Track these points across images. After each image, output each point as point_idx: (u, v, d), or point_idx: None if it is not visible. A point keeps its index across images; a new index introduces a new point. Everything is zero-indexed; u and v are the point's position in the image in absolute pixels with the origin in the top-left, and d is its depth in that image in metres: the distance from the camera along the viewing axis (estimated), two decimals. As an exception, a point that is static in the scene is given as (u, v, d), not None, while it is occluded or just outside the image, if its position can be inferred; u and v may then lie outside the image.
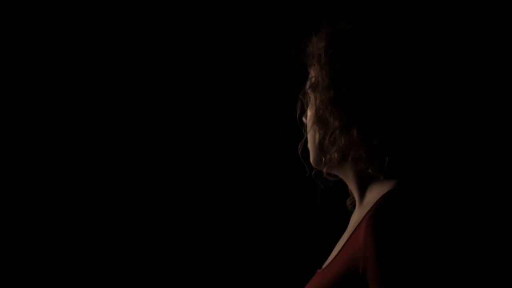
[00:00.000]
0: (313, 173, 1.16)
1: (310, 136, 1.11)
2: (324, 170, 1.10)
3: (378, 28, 1.08)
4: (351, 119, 1.03)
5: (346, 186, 1.13)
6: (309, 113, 1.10)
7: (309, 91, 1.09)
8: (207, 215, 3.75)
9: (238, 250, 3.83)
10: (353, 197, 1.13)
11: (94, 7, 3.00)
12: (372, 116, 1.03)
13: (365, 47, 1.05)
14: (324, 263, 1.10)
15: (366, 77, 1.04)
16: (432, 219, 0.97)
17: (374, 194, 1.04)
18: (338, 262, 1.01)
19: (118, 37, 2.94)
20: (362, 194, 1.08)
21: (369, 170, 1.04)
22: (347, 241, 1.02)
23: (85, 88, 2.85)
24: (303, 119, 1.13)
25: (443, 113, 1.08)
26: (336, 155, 1.05)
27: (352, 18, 1.10)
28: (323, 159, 1.08)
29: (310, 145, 1.11)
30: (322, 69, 1.06)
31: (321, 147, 1.08)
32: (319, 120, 1.07)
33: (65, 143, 2.82)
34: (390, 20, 1.11)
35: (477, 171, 2.23)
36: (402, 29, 1.09)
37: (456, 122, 2.19)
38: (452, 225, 0.99)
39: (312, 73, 1.09)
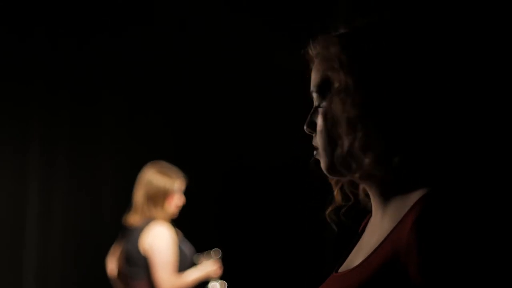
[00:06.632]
0: (327, 212, 1.13)
1: (328, 142, 1.04)
2: (342, 177, 1.07)
3: (391, 24, 1.05)
4: (387, 122, 1.00)
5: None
6: (328, 119, 1.04)
7: (332, 96, 1.03)
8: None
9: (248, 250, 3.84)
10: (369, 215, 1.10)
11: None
12: (407, 118, 1.01)
13: (388, 44, 1.03)
14: (341, 267, 1.08)
15: (396, 76, 1.01)
16: (478, 220, 0.96)
17: (401, 198, 1.02)
18: (371, 265, 0.99)
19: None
20: (386, 200, 1.05)
21: (396, 175, 1.02)
22: (381, 243, 1.00)
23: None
24: (306, 128, 1.08)
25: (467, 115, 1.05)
26: (369, 160, 1.01)
27: (356, 19, 1.07)
28: (351, 165, 1.03)
29: (328, 152, 1.05)
30: (349, 73, 1.02)
31: (349, 153, 1.02)
32: (350, 124, 1.01)
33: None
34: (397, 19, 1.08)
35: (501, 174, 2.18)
36: (416, 23, 1.06)
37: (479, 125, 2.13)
38: (496, 226, 0.99)
39: (317, 77, 1.06)
